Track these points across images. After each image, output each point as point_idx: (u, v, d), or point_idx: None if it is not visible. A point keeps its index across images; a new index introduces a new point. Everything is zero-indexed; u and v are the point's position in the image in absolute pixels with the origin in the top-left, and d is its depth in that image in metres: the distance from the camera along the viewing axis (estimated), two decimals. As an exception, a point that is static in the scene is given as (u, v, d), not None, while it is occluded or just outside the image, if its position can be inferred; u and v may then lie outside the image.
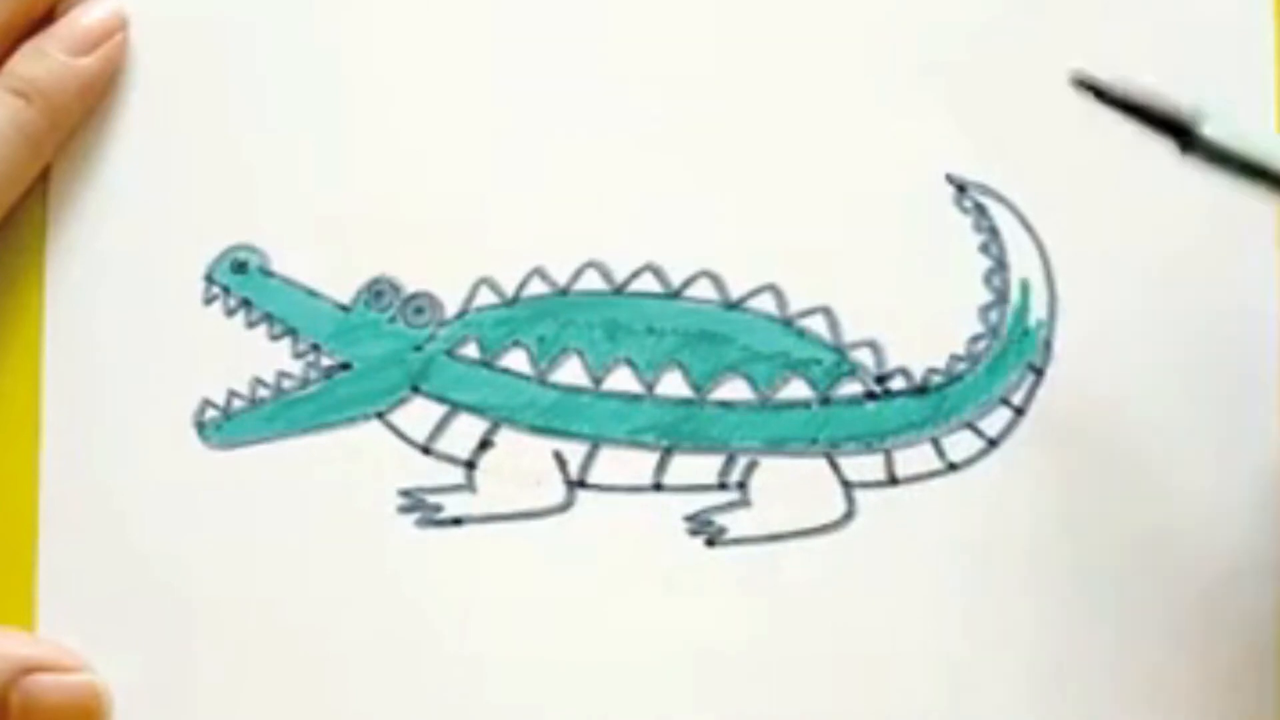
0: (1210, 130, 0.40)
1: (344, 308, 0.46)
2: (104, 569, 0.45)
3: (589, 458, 0.45)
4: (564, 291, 0.45)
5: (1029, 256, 0.45)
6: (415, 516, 0.45)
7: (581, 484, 0.45)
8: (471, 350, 0.45)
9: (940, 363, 0.45)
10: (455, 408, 0.45)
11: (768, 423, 0.45)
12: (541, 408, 0.45)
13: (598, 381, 0.45)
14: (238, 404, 0.45)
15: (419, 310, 0.45)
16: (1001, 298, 0.45)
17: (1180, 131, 0.40)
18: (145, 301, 0.45)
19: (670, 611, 0.44)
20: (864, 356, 0.45)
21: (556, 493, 0.45)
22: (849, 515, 0.45)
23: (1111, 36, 0.46)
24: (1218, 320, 0.45)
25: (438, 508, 0.45)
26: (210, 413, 0.45)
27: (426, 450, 0.45)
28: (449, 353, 0.45)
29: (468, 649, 0.44)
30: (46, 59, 0.45)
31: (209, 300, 0.45)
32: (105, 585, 0.45)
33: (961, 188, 0.46)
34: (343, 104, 0.46)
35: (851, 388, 0.45)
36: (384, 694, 0.44)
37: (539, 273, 0.45)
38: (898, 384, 0.45)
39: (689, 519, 0.45)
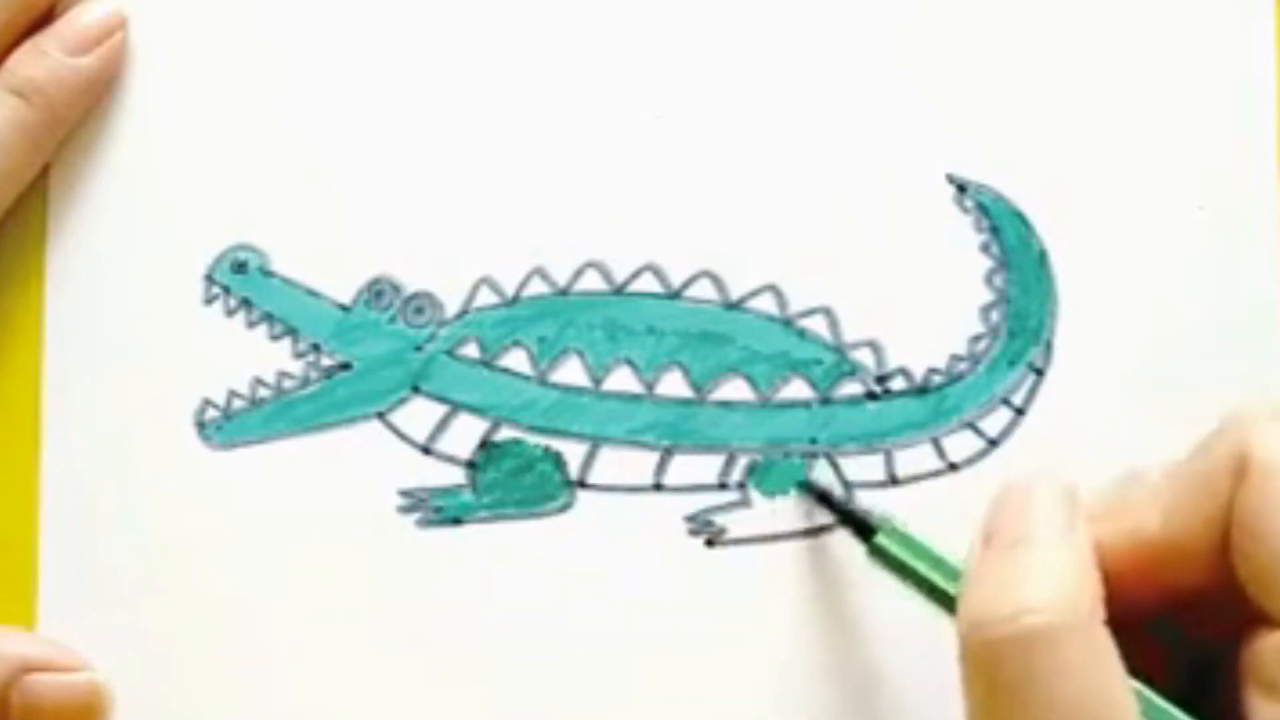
0: (880, 538, 0.42)
1: (344, 308, 0.46)
2: (104, 569, 0.45)
3: (589, 458, 0.45)
4: (564, 291, 0.45)
5: (1029, 256, 0.45)
6: (415, 516, 0.45)
7: (581, 484, 0.45)
8: (472, 350, 0.45)
9: (940, 363, 0.45)
10: (455, 408, 0.45)
11: (768, 423, 0.45)
12: (541, 408, 0.45)
13: (598, 382, 0.45)
14: (238, 404, 0.45)
15: (419, 310, 0.45)
16: (1001, 298, 0.45)
17: (864, 531, 0.42)
18: (145, 301, 0.45)
19: (670, 611, 0.44)
20: (864, 356, 0.45)
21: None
22: (849, 515, 0.45)
23: (1112, 36, 0.46)
24: (1218, 319, 0.45)
25: (438, 508, 0.45)
26: (210, 413, 0.45)
27: (426, 450, 0.45)
28: (449, 353, 0.45)
29: (467, 649, 0.44)
30: (46, 58, 0.45)
31: (209, 300, 0.45)
32: (105, 585, 0.45)
33: (961, 188, 0.46)
34: (343, 103, 0.46)
35: (851, 388, 0.45)
36: (384, 694, 0.44)
37: (539, 273, 0.45)
38: (898, 384, 0.45)
39: (689, 519, 0.45)
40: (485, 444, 0.45)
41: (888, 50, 0.46)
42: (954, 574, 0.40)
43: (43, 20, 0.45)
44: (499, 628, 0.44)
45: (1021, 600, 0.35)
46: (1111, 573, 0.36)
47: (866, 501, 0.44)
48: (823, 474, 0.45)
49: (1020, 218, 0.45)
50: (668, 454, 0.45)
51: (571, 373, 0.45)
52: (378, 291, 0.45)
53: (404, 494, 0.45)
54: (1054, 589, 0.35)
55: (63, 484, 0.45)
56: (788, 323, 0.45)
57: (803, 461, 0.45)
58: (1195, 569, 0.37)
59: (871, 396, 0.45)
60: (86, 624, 0.45)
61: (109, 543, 0.45)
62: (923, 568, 0.41)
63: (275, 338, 0.45)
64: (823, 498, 0.44)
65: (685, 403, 0.45)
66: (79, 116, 0.45)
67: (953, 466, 0.45)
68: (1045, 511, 0.37)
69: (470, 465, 0.45)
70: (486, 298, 0.45)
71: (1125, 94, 0.46)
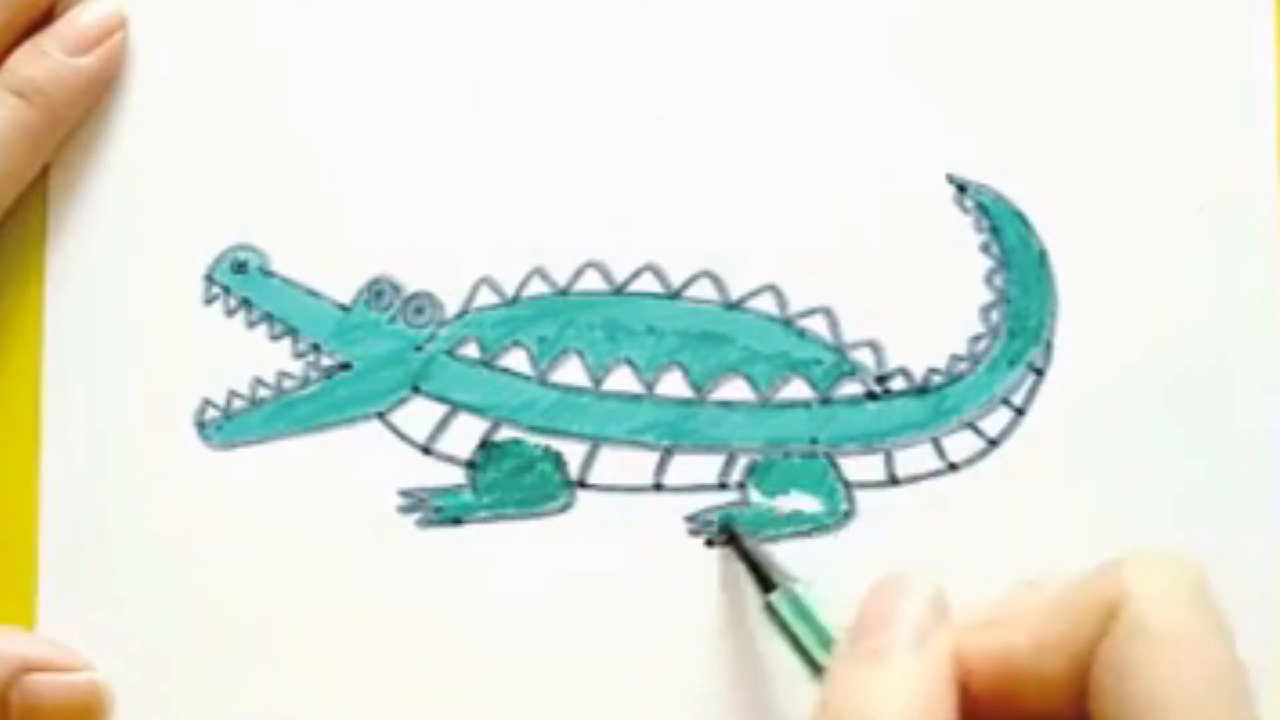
0: (774, 598, 0.41)
1: (344, 308, 0.46)
2: (104, 569, 0.45)
3: (589, 458, 0.45)
4: (564, 291, 0.45)
5: (1029, 256, 0.45)
6: (415, 516, 0.45)
7: (581, 484, 0.45)
8: (472, 350, 0.45)
9: (940, 363, 0.45)
10: (455, 408, 0.45)
11: (768, 423, 0.45)
12: (541, 408, 0.45)
13: (598, 382, 0.45)
14: (238, 404, 0.45)
15: (419, 310, 0.45)
16: (1001, 298, 0.45)
17: (765, 584, 0.42)
18: (145, 301, 0.45)
19: (670, 611, 0.44)
20: (864, 356, 0.45)
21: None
22: (849, 515, 0.45)
23: (1111, 36, 0.46)
24: (1218, 319, 0.45)
25: (438, 508, 0.45)
26: (210, 413, 0.45)
27: (426, 450, 0.45)
28: (449, 353, 0.45)
29: (467, 649, 0.44)
30: (46, 58, 0.45)
31: (209, 300, 0.45)
32: (105, 585, 0.45)
33: (961, 188, 0.46)
34: (343, 103, 0.46)
35: (851, 388, 0.45)
36: (384, 694, 0.44)
37: (539, 273, 0.45)
38: (898, 384, 0.45)
39: (689, 519, 0.45)
40: (485, 444, 0.45)
41: (888, 50, 0.46)
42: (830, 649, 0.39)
43: (43, 20, 0.45)
44: (499, 628, 0.44)
45: (870, 712, 0.34)
46: (974, 687, 0.35)
47: (784, 558, 0.43)
48: (742, 518, 0.45)
49: (1020, 218, 0.45)
50: (668, 454, 0.45)
51: (571, 373, 0.45)
52: (378, 291, 0.45)
53: (404, 494, 0.45)
54: (902, 703, 0.34)
55: (63, 484, 0.45)
56: (788, 323, 0.45)
57: (803, 461, 0.45)
58: (1056, 701, 0.35)
59: (871, 396, 0.45)
60: (86, 624, 0.45)
61: (109, 543, 0.45)
62: (803, 636, 0.40)
63: (275, 338, 0.45)
64: (733, 541, 0.44)
65: (685, 403, 0.45)
66: (79, 116, 0.45)
67: (953, 466, 0.45)
68: (905, 618, 0.36)
69: (470, 465, 0.45)
70: (486, 298, 0.45)
71: (1125, 94, 0.46)
